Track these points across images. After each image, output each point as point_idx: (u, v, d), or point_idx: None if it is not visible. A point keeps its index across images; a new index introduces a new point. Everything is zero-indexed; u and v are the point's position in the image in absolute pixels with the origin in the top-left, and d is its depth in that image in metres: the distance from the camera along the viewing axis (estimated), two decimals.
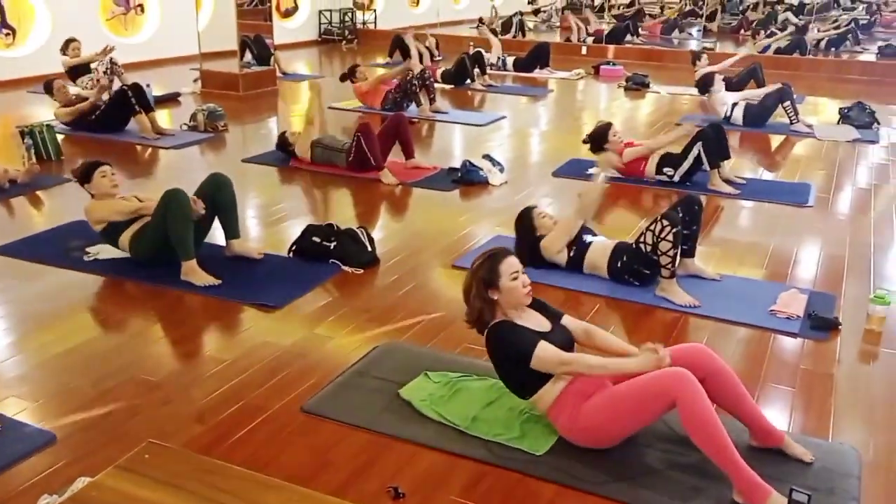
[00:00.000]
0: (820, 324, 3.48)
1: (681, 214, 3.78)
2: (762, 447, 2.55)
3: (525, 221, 4.11)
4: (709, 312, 3.63)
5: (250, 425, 2.70)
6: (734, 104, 7.74)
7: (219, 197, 4.05)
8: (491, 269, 2.60)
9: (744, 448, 2.54)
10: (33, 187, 5.50)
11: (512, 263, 2.62)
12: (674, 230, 3.61)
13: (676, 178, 5.56)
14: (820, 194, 5.61)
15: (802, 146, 7.18)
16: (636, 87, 10.10)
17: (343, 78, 8.48)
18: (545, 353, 2.51)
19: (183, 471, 2.32)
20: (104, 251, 4.15)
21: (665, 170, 5.59)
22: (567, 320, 2.77)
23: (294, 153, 6.06)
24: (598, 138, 5.76)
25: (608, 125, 5.80)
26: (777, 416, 2.83)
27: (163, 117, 7.88)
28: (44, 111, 7.54)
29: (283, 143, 6.18)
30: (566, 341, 2.66)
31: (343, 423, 2.71)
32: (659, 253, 3.67)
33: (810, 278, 4.12)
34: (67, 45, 8.77)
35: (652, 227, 3.69)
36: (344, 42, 14.24)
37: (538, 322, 2.67)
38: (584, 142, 5.90)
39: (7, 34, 9.74)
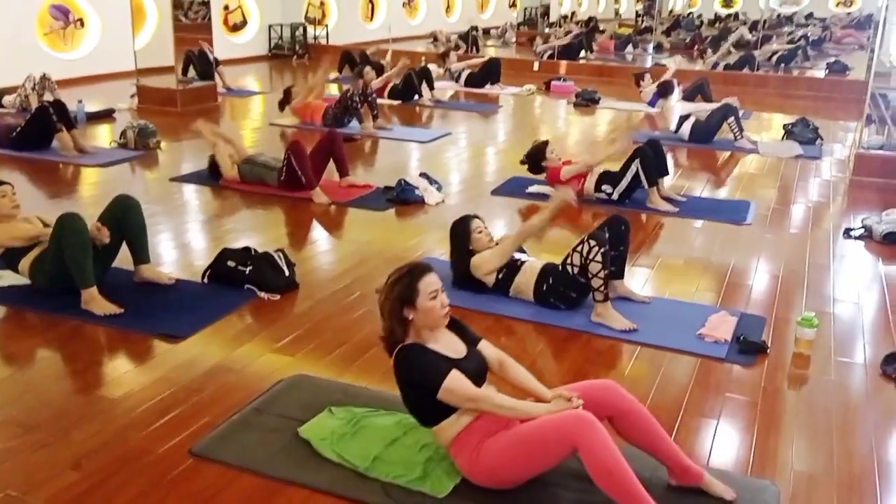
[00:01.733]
0: (747, 348, 3.36)
1: (607, 235, 3.65)
2: (681, 486, 2.41)
3: (460, 230, 3.94)
4: (635, 337, 3.50)
5: (132, 471, 2.48)
6: (684, 118, 7.70)
7: (126, 220, 3.83)
8: (408, 285, 2.40)
9: (662, 487, 2.39)
10: None
11: (431, 281, 2.42)
12: (601, 250, 3.48)
13: (615, 196, 5.46)
14: (760, 212, 5.54)
15: (746, 162, 7.14)
16: (585, 102, 10.05)
17: (281, 106, 8.31)
18: (454, 385, 2.33)
19: None
20: (4, 277, 3.90)
21: (604, 187, 5.49)
22: (484, 346, 2.60)
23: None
24: (536, 157, 5.65)
25: (544, 143, 5.70)
26: (698, 448, 2.70)
27: (98, 134, 7.63)
28: None
29: (213, 167, 5.95)
30: (479, 370, 2.49)
31: (232, 465, 2.51)
32: (589, 275, 3.53)
33: (743, 299, 4.02)
34: None
35: (579, 248, 3.55)
36: (295, 57, 14.05)
37: (453, 346, 2.49)
38: (522, 162, 5.79)
39: None
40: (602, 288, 3.53)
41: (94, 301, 3.57)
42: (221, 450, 2.58)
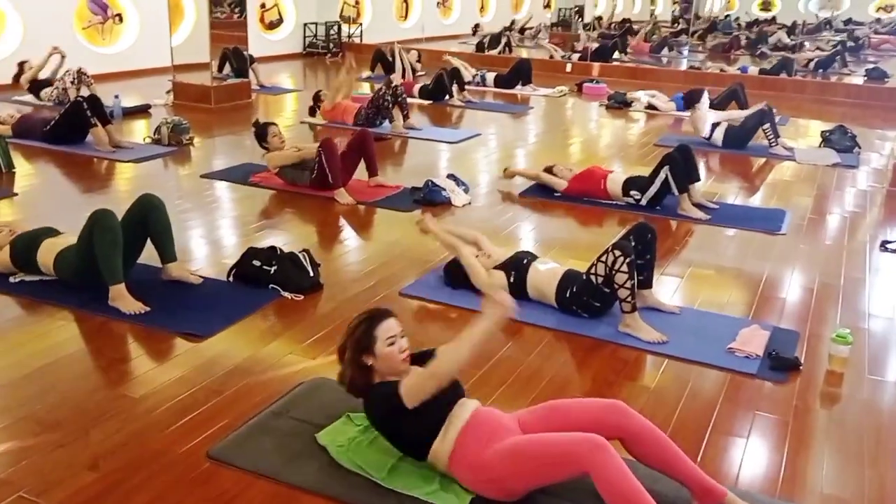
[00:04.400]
0: (779, 364, 3.27)
1: (633, 243, 3.57)
2: None
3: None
4: (663, 350, 3.42)
5: (149, 472, 2.48)
6: (716, 125, 7.57)
7: (150, 220, 3.82)
8: (366, 332, 2.41)
9: None
10: None
11: (389, 327, 2.42)
12: (627, 260, 3.41)
13: (644, 202, 5.37)
14: (794, 221, 5.42)
15: (781, 170, 7.00)
16: (618, 105, 9.93)
17: (311, 111, 8.31)
18: (409, 382, 2.34)
19: None
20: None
21: (632, 193, 5.41)
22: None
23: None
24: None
25: (551, 166, 5.89)
26: (725, 468, 2.62)
27: (134, 130, 7.70)
28: None
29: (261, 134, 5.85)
30: (452, 383, 2.44)
31: (248, 471, 2.49)
32: (615, 286, 3.45)
33: (775, 312, 3.92)
34: (21, 67, 8.64)
35: (603, 259, 3.48)
36: (328, 55, 14.08)
37: None
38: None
39: None
40: (629, 298, 3.46)
41: (122, 298, 3.58)
42: (238, 454, 2.56)
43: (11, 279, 3.89)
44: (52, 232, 3.98)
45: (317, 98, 8.27)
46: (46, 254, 3.76)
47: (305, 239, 4.75)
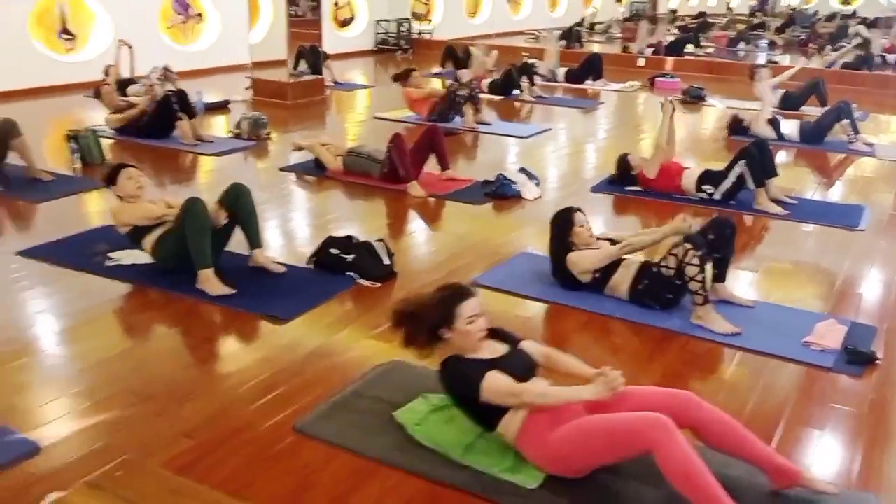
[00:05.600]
0: (856, 358, 3.23)
1: (712, 237, 3.58)
2: (782, 490, 2.35)
3: (562, 223, 3.90)
4: (737, 342, 3.42)
5: (237, 443, 2.63)
6: (776, 119, 7.46)
7: (239, 205, 4.03)
8: (450, 307, 2.49)
9: (763, 495, 2.35)
10: (73, 190, 5.59)
11: (473, 306, 2.50)
12: (698, 254, 3.41)
13: (718, 196, 5.32)
14: (874, 217, 5.29)
15: (861, 166, 6.82)
16: (692, 100, 9.80)
17: (396, 78, 8.45)
18: (493, 385, 2.39)
19: (152, 491, 2.26)
20: (127, 256, 4.16)
21: (705, 187, 5.37)
22: (527, 344, 2.65)
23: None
24: (624, 170, 5.74)
25: (625, 154, 5.81)
26: (799, 460, 2.62)
27: (214, 124, 7.99)
28: (97, 115, 7.69)
29: (319, 160, 6.13)
30: (525, 367, 2.54)
31: (332, 444, 2.61)
32: (687, 278, 3.47)
33: (852, 308, 3.86)
34: (107, 70, 8.97)
35: (674, 251, 3.50)
36: (399, 52, 14.27)
37: (492, 350, 2.56)
38: (613, 181, 5.82)
39: (68, 39, 10.03)
40: (700, 290, 3.47)
41: (210, 282, 3.77)
42: (322, 428, 2.70)
43: (107, 263, 4.13)
44: None
45: (407, 74, 8.35)
46: (149, 238, 3.99)
47: (378, 230, 4.87)
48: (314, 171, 6.14)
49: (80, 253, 4.27)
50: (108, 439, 2.62)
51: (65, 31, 10.03)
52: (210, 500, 1.96)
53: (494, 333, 2.60)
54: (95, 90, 7.57)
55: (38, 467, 2.47)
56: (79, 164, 6.12)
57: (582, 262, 3.82)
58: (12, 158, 5.78)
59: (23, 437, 2.60)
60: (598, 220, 5.20)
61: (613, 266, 3.81)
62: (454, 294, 2.53)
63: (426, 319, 2.51)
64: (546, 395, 2.40)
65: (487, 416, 2.48)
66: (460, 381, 2.48)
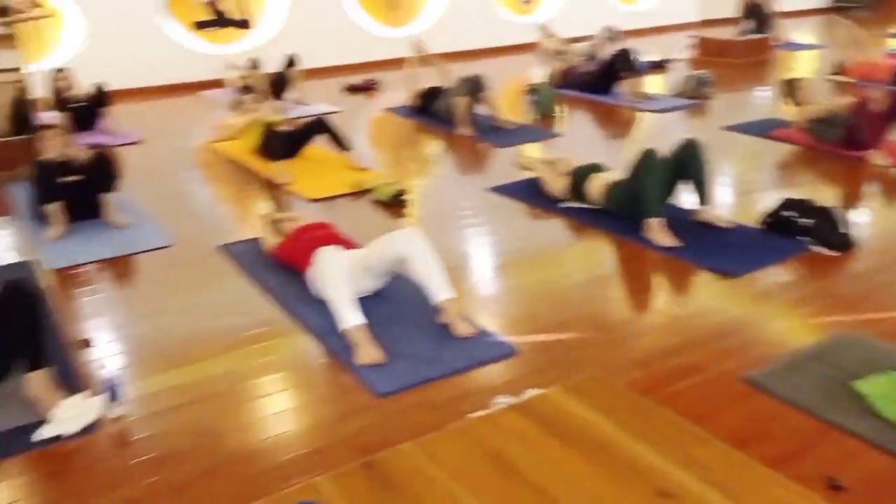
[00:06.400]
0: None
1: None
2: None
3: None
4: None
5: (688, 381, 2.74)
6: None
7: (689, 162, 4.08)
8: None
9: None
10: (533, 138, 6.17)
11: None
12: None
13: None
14: None
15: None
16: None
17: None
18: None
19: (619, 404, 2.48)
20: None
21: None
22: None
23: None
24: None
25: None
26: None
27: (653, 82, 8.13)
28: (541, 72, 8.33)
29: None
30: None
31: (784, 400, 2.59)
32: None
33: None
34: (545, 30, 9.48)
35: None
36: (856, 9, 12.84)
37: None
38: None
39: (526, 2, 10.92)
40: None
41: (658, 231, 3.92)
42: (774, 383, 2.68)
43: (560, 205, 4.52)
44: (598, 168, 4.49)
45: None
46: (595, 185, 4.28)
47: (831, 196, 4.56)
48: (758, 132, 5.91)
49: (536, 193, 4.73)
50: (574, 355, 2.93)
51: None
52: (675, 422, 2.10)
53: None
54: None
55: (515, 367, 2.87)
56: (537, 115, 6.73)
57: None
58: (480, 109, 6.56)
59: (503, 339, 3.04)
60: None
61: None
62: None
63: None
64: None
65: None
66: None
